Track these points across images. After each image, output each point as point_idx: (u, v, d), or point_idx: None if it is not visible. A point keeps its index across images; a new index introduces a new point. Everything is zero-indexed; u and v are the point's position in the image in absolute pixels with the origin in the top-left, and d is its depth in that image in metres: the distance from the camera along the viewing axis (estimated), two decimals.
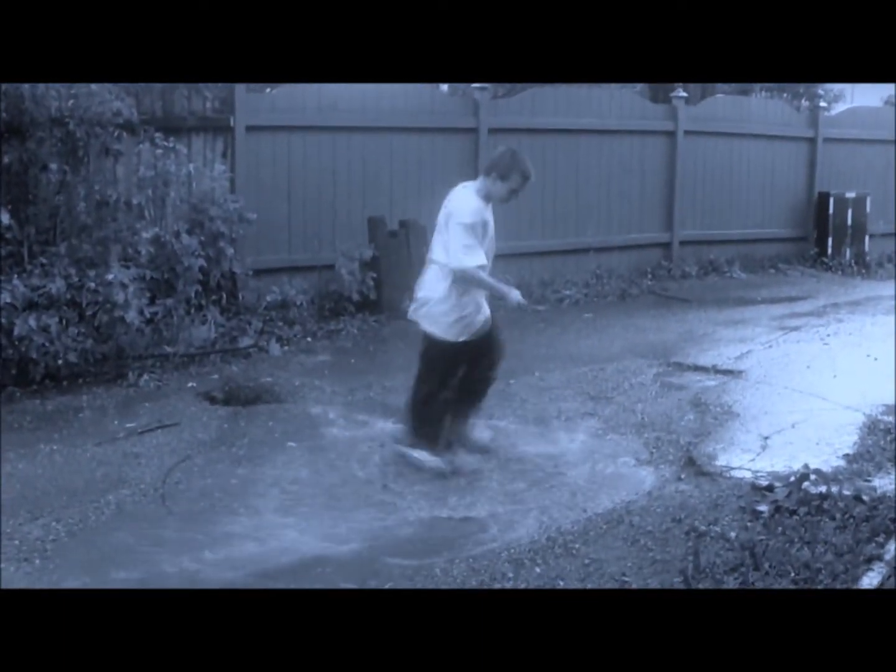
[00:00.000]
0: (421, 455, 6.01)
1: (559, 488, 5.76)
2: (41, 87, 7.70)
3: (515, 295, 5.93)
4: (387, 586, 4.49)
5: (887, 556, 4.49)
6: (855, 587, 4.22)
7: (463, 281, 5.82)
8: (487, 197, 5.93)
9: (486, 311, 6.01)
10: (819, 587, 4.28)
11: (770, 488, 5.52)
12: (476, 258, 5.76)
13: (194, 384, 7.74)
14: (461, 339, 5.94)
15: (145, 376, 7.75)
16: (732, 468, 6.03)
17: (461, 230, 5.76)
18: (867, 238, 14.85)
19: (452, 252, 5.78)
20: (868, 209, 14.79)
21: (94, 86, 7.91)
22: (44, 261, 7.65)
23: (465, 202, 5.88)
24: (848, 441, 6.50)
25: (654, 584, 4.42)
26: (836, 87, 22.11)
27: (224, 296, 9.09)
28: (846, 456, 6.20)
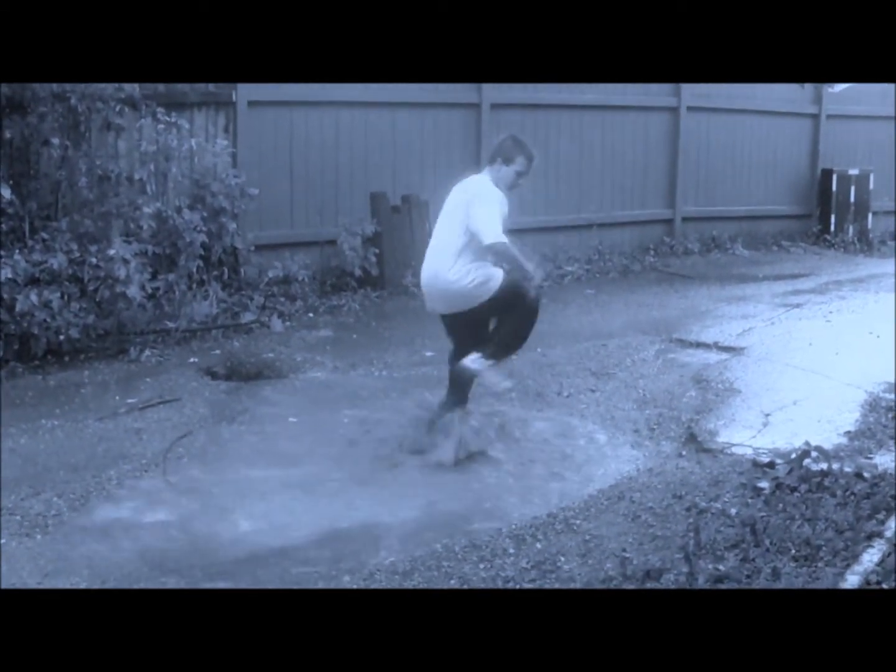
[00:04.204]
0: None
1: (560, 464, 5.77)
2: None
3: (539, 274, 5.96)
4: (387, 562, 4.50)
5: (888, 534, 4.48)
6: (855, 565, 4.23)
7: (494, 255, 5.82)
8: (496, 185, 5.95)
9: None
10: (819, 564, 4.30)
11: (771, 465, 5.52)
12: (502, 234, 5.76)
13: (196, 359, 7.75)
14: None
15: (147, 352, 7.76)
16: (734, 445, 6.03)
17: (489, 207, 5.77)
18: (870, 215, 14.81)
19: (485, 228, 5.71)
20: (871, 186, 14.74)
21: None
22: (45, 236, 7.64)
23: (486, 185, 5.93)
24: (849, 418, 6.50)
25: (654, 560, 4.43)
26: None
27: (226, 271, 9.09)
28: (847, 433, 6.20)
